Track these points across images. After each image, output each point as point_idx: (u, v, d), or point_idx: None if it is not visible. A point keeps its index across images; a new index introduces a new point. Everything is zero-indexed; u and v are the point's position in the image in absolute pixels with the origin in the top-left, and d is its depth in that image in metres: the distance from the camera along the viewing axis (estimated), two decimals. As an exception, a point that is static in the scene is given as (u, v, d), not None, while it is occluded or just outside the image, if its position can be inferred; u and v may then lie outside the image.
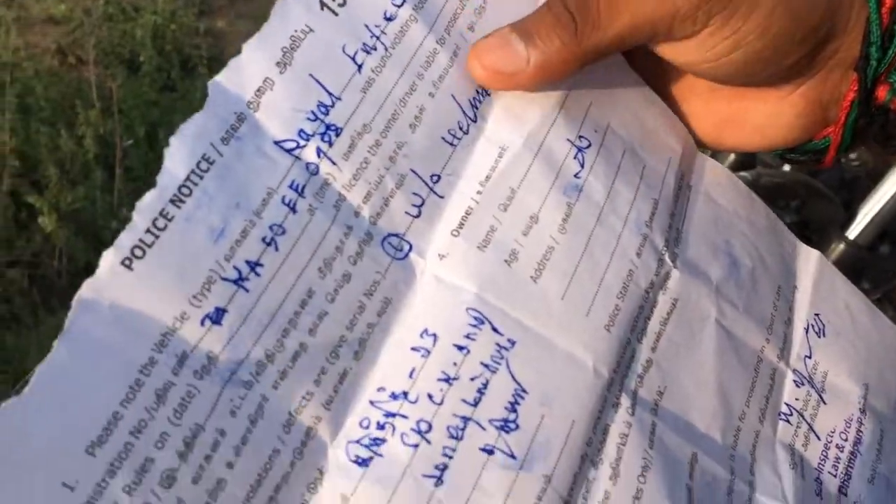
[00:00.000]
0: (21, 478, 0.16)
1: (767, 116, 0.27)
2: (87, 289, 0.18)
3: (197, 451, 0.19)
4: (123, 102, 1.72)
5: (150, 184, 0.19)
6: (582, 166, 0.26)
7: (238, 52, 0.22)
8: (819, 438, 0.28)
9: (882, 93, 0.26)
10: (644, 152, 0.27)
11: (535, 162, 0.25)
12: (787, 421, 0.28)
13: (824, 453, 0.28)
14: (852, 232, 1.15)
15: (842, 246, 1.13)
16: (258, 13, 2.03)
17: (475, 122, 0.25)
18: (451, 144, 0.24)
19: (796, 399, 0.28)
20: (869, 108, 0.26)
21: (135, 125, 1.69)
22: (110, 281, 0.18)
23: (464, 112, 0.25)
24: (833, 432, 0.29)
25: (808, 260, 0.31)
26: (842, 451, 0.29)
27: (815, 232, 0.97)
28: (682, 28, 0.24)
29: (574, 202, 0.25)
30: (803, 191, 1.04)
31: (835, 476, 0.28)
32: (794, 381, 0.29)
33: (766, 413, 0.27)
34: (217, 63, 1.90)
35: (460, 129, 0.25)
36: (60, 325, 0.17)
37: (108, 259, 0.18)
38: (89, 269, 0.19)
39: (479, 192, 0.24)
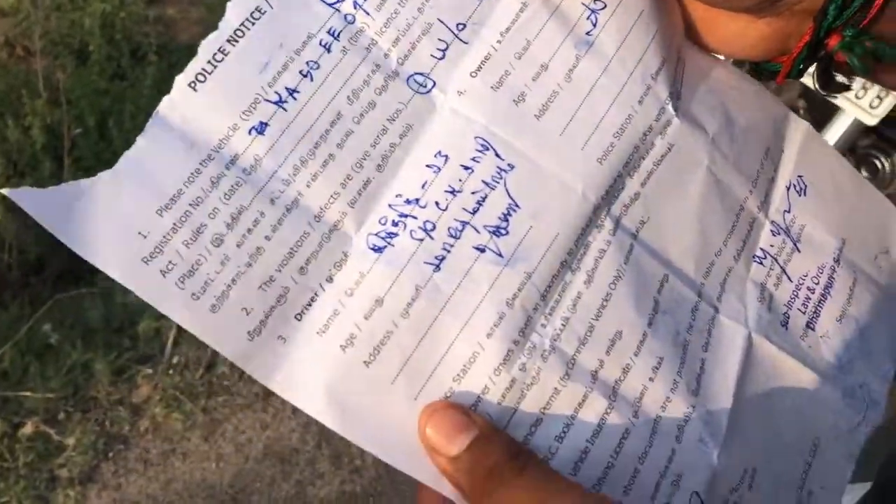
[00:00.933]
0: (109, 227, 0.23)
1: (734, 32, 0.30)
2: (162, 105, 0.24)
3: (241, 223, 0.24)
4: (72, 92, 1.70)
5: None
6: (594, 25, 0.29)
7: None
8: (791, 280, 0.31)
9: (833, 42, 0.29)
10: (655, 21, 0.30)
11: (551, 18, 0.28)
12: (761, 263, 0.31)
13: (794, 293, 0.31)
14: None
15: None
16: (210, 1, 2.01)
17: None
18: None
19: (771, 246, 0.31)
20: (817, 52, 0.29)
21: (84, 115, 1.67)
22: (180, 98, 0.24)
23: None
24: (805, 276, 0.31)
25: (797, 129, 0.33)
26: (812, 293, 0.31)
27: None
28: None
29: (583, 55, 0.28)
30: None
31: (803, 313, 0.31)
32: (771, 230, 0.31)
33: (742, 254, 0.30)
34: (167, 51, 1.88)
35: None
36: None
37: (179, 81, 0.25)
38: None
39: (498, 41, 0.28)
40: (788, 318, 0.31)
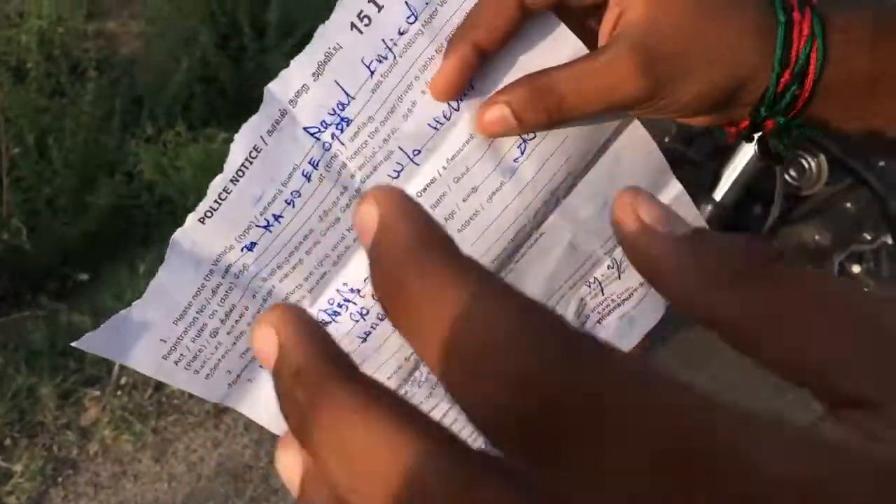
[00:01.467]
0: (140, 336, 0.32)
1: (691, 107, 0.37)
2: (177, 234, 0.32)
3: (231, 317, 0.34)
4: (10, 110, 1.67)
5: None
6: (522, 153, 0.35)
7: (283, 65, 0.32)
8: (603, 294, 0.41)
9: (769, 126, 0.37)
10: (581, 138, 0.35)
11: (489, 149, 0.34)
12: (588, 286, 0.40)
13: (601, 304, 0.41)
14: (718, 194, 1.21)
15: (710, 207, 1.19)
16: (150, 14, 1.99)
17: (458, 111, 0.34)
18: (435, 129, 0.34)
19: (602, 275, 0.40)
20: (755, 131, 0.37)
21: (23, 133, 1.64)
22: (190, 229, 0.32)
23: (449, 104, 0.34)
24: (614, 294, 0.41)
25: (669, 194, 0.40)
26: (612, 303, 0.41)
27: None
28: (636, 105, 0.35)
29: (507, 181, 0.35)
30: (672, 158, 1.07)
31: (600, 314, 0.42)
32: (608, 265, 0.40)
33: (577, 283, 0.40)
34: (108, 65, 1.86)
35: (444, 116, 0.34)
36: None
37: (190, 218, 0.32)
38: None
39: (444, 167, 0.34)
40: (588, 317, 0.42)
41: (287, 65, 0.32)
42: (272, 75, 0.32)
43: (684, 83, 0.34)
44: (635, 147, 0.37)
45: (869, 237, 1.51)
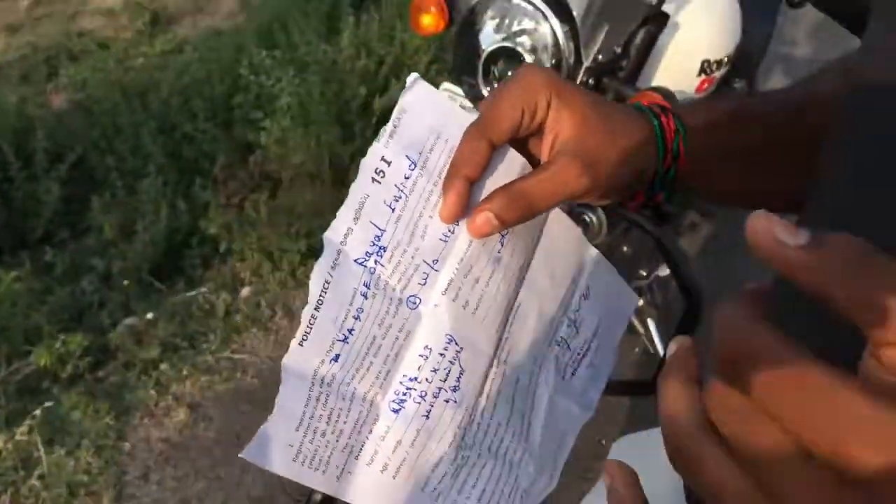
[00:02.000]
0: (276, 445, 0.41)
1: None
2: (285, 359, 0.41)
3: (332, 418, 0.43)
4: None
5: None
6: (502, 245, 0.47)
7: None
8: (570, 350, 0.53)
9: (659, 198, 0.54)
10: (530, 226, 0.49)
11: (482, 248, 0.46)
12: (558, 345, 0.52)
13: (571, 358, 0.53)
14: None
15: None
16: None
17: (458, 225, 0.45)
18: (445, 242, 0.45)
19: (565, 334, 0.52)
20: (649, 203, 0.54)
21: None
22: (294, 351, 0.41)
23: None
24: (578, 348, 0.54)
25: (591, 258, 0.54)
26: (578, 356, 0.53)
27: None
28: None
29: (496, 268, 0.47)
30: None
31: (572, 368, 0.53)
32: (567, 324, 0.52)
33: (550, 343, 0.51)
34: None
35: (449, 231, 0.45)
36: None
37: (293, 344, 0.41)
38: None
39: (456, 269, 0.45)
40: (565, 371, 0.53)
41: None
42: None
43: (609, 178, 0.48)
44: (560, 226, 0.51)
45: (645, 273, 1.80)
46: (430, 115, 0.46)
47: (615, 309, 0.57)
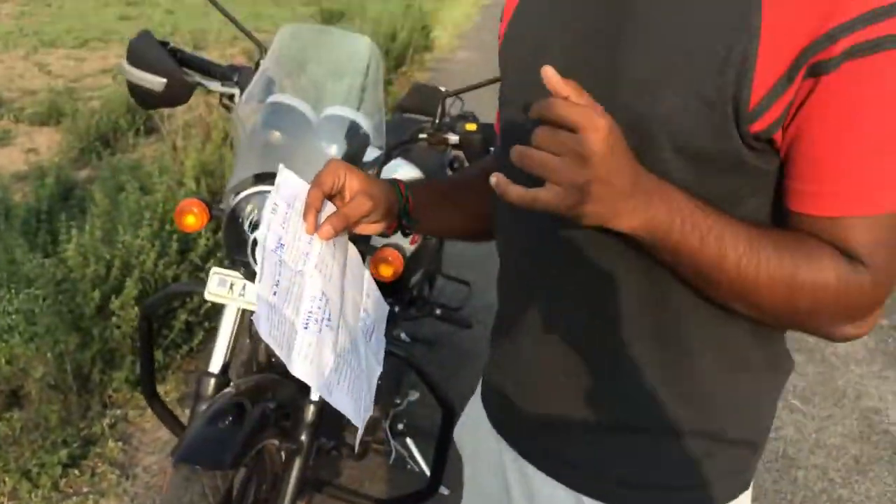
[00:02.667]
0: (259, 323, 0.80)
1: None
2: (257, 289, 0.83)
3: (279, 325, 0.82)
4: None
5: None
6: (335, 248, 0.90)
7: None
8: (366, 324, 0.97)
9: (403, 223, 1.00)
10: (344, 246, 0.94)
11: (327, 248, 0.88)
12: (362, 320, 0.97)
13: (367, 329, 0.98)
14: (214, 367, 1.63)
15: (212, 381, 1.54)
16: None
17: (314, 235, 0.86)
18: (310, 243, 0.86)
19: (362, 314, 0.97)
20: (399, 228, 1.01)
21: None
22: (257, 289, 0.83)
23: (309, 243, 0.86)
24: (370, 324, 0.99)
25: (369, 275, 1.00)
26: (370, 329, 0.98)
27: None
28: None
29: (334, 260, 0.89)
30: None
31: (368, 334, 0.97)
32: (363, 308, 0.97)
33: (358, 317, 0.95)
34: None
35: (311, 238, 0.86)
36: None
37: (257, 286, 0.91)
38: None
39: (318, 256, 0.86)
40: (368, 336, 0.97)
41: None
42: None
43: (378, 206, 0.91)
44: (354, 252, 0.95)
45: (399, 401, 2.08)
46: (292, 184, 0.89)
47: (381, 309, 1.00)
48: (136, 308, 2.37)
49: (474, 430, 1.08)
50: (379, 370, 0.95)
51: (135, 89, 1.62)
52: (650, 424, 0.86)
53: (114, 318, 2.35)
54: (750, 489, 0.93)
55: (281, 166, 0.90)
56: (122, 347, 2.38)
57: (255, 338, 1.68)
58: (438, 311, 2.43)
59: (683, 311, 0.81)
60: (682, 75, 0.73)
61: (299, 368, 0.80)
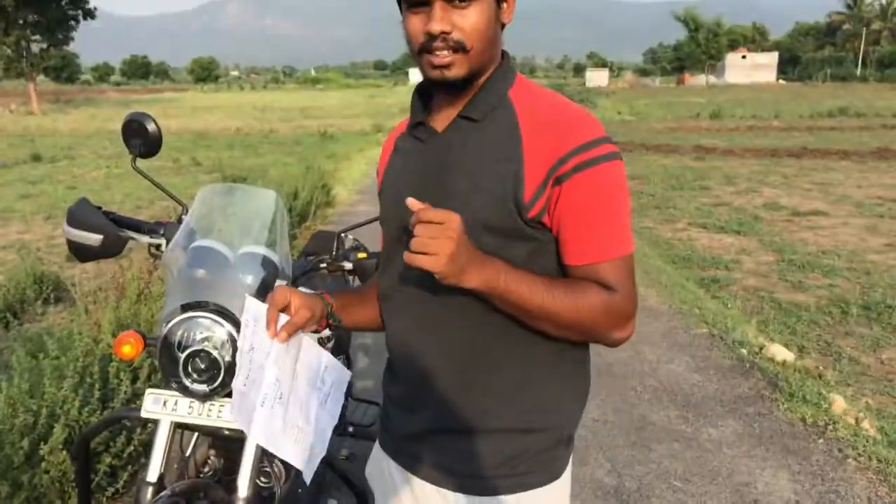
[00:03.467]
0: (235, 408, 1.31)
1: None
2: (234, 381, 1.41)
3: (244, 404, 1.31)
4: None
5: None
6: (287, 346, 1.32)
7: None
8: (322, 391, 1.40)
9: (331, 322, 1.45)
10: (297, 341, 1.35)
11: (282, 348, 1.31)
12: (318, 389, 1.39)
13: (323, 394, 1.40)
14: (152, 476, 1.84)
15: (149, 491, 1.76)
16: None
17: (273, 340, 1.30)
18: (270, 344, 1.30)
19: (320, 383, 1.40)
20: (329, 325, 1.44)
21: None
22: (235, 378, 1.32)
23: (271, 348, 1.30)
24: (327, 390, 1.40)
25: (328, 354, 1.40)
26: (326, 395, 1.39)
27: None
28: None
29: (287, 355, 1.32)
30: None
31: (324, 398, 1.40)
32: (320, 378, 1.39)
33: (315, 386, 1.37)
34: None
35: (270, 343, 1.29)
36: None
37: (235, 379, 1.32)
38: None
39: (276, 355, 1.30)
40: (323, 400, 1.38)
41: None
42: None
43: (313, 313, 1.35)
44: (310, 341, 1.35)
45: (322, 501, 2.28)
46: (255, 307, 1.22)
47: (338, 376, 1.39)
48: (64, 452, 2.51)
49: (375, 462, 1.50)
50: (334, 422, 1.37)
51: (74, 246, 1.92)
52: (482, 426, 1.27)
53: (42, 464, 2.48)
54: (564, 481, 1.32)
55: (247, 296, 1.31)
56: (50, 493, 2.50)
57: (185, 449, 1.90)
58: (351, 430, 2.71)
59: (500, 336, 1.24)
60: (484, 187, 1.20)
61: (255, 433, 1.19)
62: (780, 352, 4.56)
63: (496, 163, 1.20)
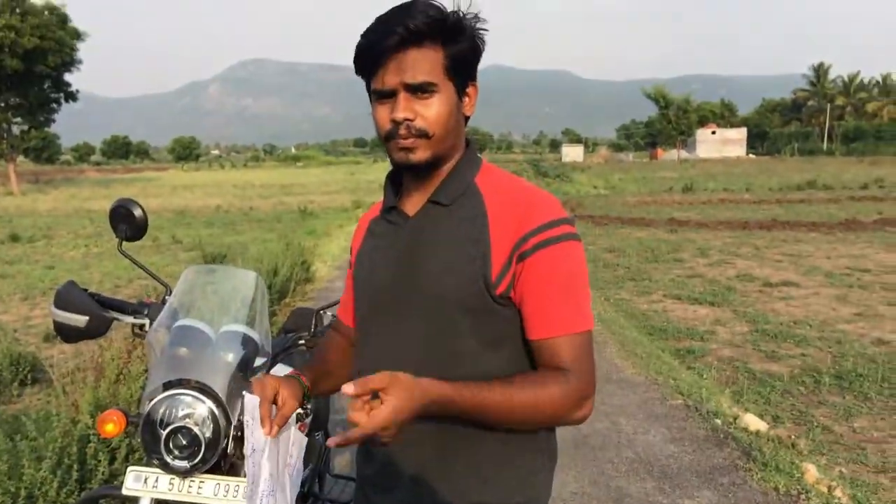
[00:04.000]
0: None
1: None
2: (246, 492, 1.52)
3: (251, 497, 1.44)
4: None
5: None
6: (279, 440, 1.44)
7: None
8: (293, 466, 1.53)
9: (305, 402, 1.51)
10: (288, 429, 1.45)
11: (274, 441, 1.42)
12: (292, 466, 1.54)
13: (292, 470, 1.53)
14: None
15: None
16: None
17: (264, 451, 1.40)
18: (266, 440, 1.40)
19: (291, 462, 1.53)
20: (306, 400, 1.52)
21: None
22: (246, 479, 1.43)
23: (267, 446, 1.41)
24: (293, 464, 1.54)
25: (302, 436, 1.51)
26: (293, 467, 1.53)
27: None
28: None
29: (279, 447, 1.45)
30: None
31: (291, 471, 1.53)
32: (293, 456, 1.54)
33: (290, 468, 1.51)
34: None
35: (265, 438, 1.40)
36: None
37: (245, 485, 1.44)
38: None
39: (269, 448, 1.41)
40: (291, 474, 1.52)
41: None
42: None
43: (297, 396, 1.48)
44: (295, 429, 1.46)
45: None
46: (250, 403, 1.31)
47: (301, 447, 1.53)
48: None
49: None
50: (297, 489, 1.50)
51: (60, 327, 1.99)
52: (459, 499, 1.31)
53: (18, 547, 2.47)
54: None
55: (244, 393, 1.39)
56: (24, 577, 2.47)
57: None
58: (328, 506, 2.73)
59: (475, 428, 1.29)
60: (456, 269, 1.29)
61: None
62: (753, 421, 4.63)
63: (466, 245, 1.29)
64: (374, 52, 1.28)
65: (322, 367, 1.62)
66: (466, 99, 1.37)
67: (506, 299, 1.29)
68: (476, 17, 1.33)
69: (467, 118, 1.40)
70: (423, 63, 1.27)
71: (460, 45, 1.30)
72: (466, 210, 1.34)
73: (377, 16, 1.31)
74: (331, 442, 1.14)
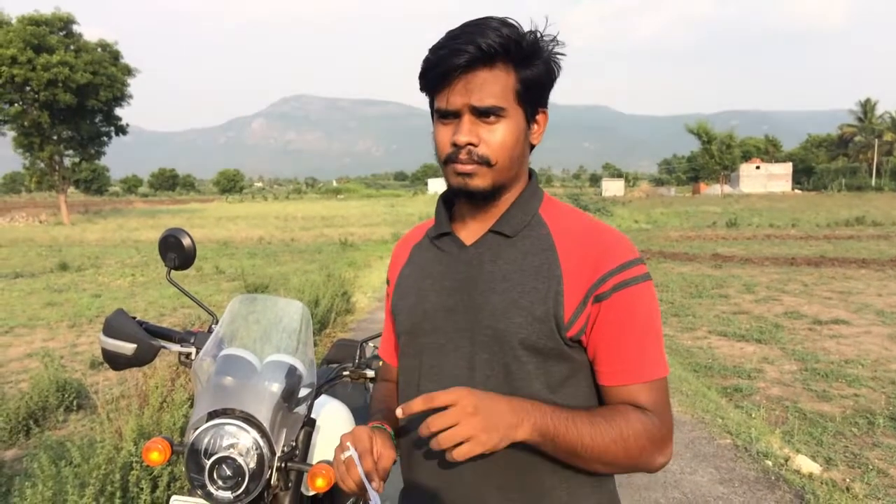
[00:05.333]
0: None
1: None
2: None
3: None
4: None
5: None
6: None
7: None
8: None
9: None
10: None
11: None
12: None
13: None
14: None
15: None
16: None
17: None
18: None
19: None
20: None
21: None
22: None
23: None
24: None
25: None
26: None
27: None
28: None
29: None
30: None
31: None
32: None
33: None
34: None
35: None
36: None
37: None
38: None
39: None
40: None
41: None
42: None
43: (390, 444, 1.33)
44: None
45: None
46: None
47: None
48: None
49: None
50: None
51: (108, 354, 2.01)
52: None
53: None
54: None
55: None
56: None
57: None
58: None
59: (546, 454, 1.18)
60: (521, 305, 1.20)
61: None
62: (806, 463, 4.47)
63: (534, 281, 1.20)
64: (440, 69, 1.18)
65: (391, 415, 1.44)
66: (535, 126, 1.27)
67: (576, 342, 1.20)
68: (554, 39, 1.22)
69: (532, 146, 1.30)
70: (492, 85, 1.18)
71: (535, 68, 1.20)
72: (532, 243, 1.25)
73: (448, 30, 1.21)
74: (399, 412, 1.12)
